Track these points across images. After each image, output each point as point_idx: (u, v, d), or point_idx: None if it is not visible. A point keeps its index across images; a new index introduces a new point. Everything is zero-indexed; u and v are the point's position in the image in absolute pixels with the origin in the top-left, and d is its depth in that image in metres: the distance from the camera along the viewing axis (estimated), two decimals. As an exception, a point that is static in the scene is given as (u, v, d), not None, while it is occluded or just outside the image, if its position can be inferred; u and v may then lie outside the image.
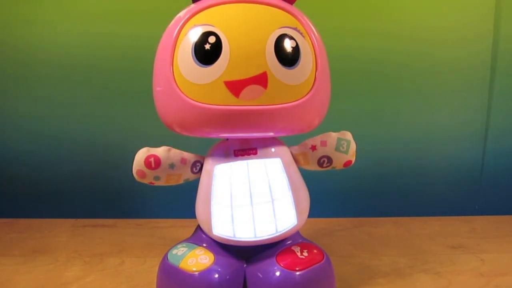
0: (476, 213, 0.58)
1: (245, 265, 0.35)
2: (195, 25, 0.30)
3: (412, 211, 0.58)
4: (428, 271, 0.42)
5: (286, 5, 0.31)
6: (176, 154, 0.33)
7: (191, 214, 0.35)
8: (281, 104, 0.30)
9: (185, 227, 0.43)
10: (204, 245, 0.36)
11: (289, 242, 0.36)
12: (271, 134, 0.33)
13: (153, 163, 0.32)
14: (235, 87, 0.29)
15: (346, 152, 0.34)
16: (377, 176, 0.58)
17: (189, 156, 0.34)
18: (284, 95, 0.30)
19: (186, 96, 0.30)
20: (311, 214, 0.36)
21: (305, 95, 0.31)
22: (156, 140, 0.35)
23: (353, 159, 0.35)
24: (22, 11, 0.53)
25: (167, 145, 0.33)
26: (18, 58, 0.54)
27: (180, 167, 0.33)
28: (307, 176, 0.36)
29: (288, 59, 0.30)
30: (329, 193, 0.57)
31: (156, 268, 0.36)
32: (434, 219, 0.56)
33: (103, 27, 0.53)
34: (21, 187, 0.58)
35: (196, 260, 0.33)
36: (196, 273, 0.32)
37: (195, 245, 0.36)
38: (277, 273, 0.33)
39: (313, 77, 0.32)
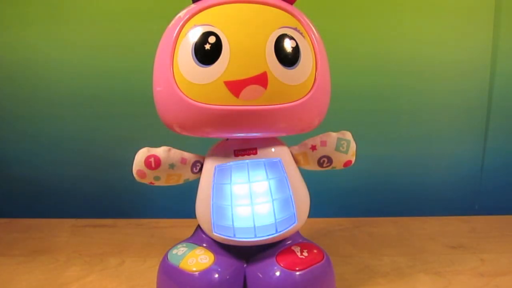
0: (476, 213, 0.58)
1: (245, 265, 0.35)
2: (195, 25, 0.30)
3: (412, 211, 0.57)
4: (428, 271, 0.42)
5: (286, 5, 0.31)
6: (176, 154, 0.33)
7: (191, 214, 0.35)
8: (281, 104, 0.30)
9: (185, 227, 0.43)
10: (204, 245, 0.36)
11: (289, 242, 0.36)
12: (271, 134, 0.33)
13: (153, 163, 0.32)
14: (235, 87, 0.29)
15: (346, 152, 0.34)
16: (377, 176, 0.58)
17: (189, 156, 0.34)
18: (284, 95, 0.30)
19: (186, 96, 0.30)
20: (311, 214, 0.36)
21: (305, 95, 0.31)
22: (156, 140, 0.35)
23: (353, 159, 0.35)
24: (21, 11, 0.53)
25: (167, 145, 0.33)
26: (17, 59, 0.54)
27: (180, 167, 0.33)
28: (307, 176, 0.36)
29: (288, 59, 0.30)
30: (329, 193, 0.57)
31: (156, 268, 0.36)
32: (434, 219, 0.56)
33: (103, 27, 0.53)
34: (21, 187, 0.58)
35: (196, 260, 0.33)
36: (196, 273, 0.32)
37: (195, 245, 0.36)
38: (277, 273, 0.33)
39: (313, 77, 0.32)
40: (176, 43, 0.30)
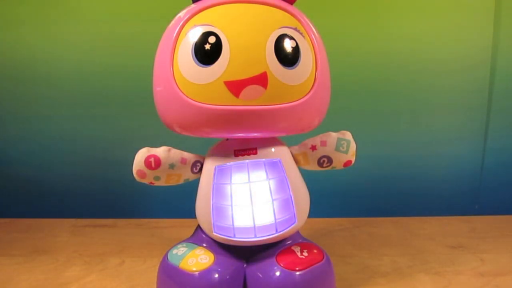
0: (476, 213, 0.58)
1: (245, 265, 0.35)
2: (195, 25, 0.30)
3: (412, 211, 0.58)
4: (428, 271, 0.42)
5: (286, 5, 0.31)
6: (176, 154, 0.33)
7: (191, 214, 0.35)
8: (281, 104, 0.30)
9: (185, 227, 0.43)
10: (204, 245, 0.36)
11: (289, 242, 0.36)
12: (271, 134, 0.33)
13: (153, 163, 0.32)
14: (235, 87, 0.29)
15: (346, 152, 0.34)
16: (377, 176, 0.58)
17: (189, 156, 0.34)
18: (284, 95, 0.30)
19: (186, 96, 0.30)
20: (311, 214, 0.36)
21: (305, 95, 0.31)
22: (156, 140, 0.35)
23: (353, 159, 0.35)
24: (21, 12, 0.53)
25: (167, 145, 0.33)
26: (18, 59, 0.54)
27: (180, 167, 0.33)
28: (307, 176, 0.36)
29: (288, 59, 0.30)
30: (329, 193, 0.57)
31: (156, 268, 0.36)
32: (434, 219, 0.56)
33: (103, 26, 0.53)
34: (21, 187, 0.58)
35: (196, 260, 0.33)
36: (196, 273, 0.32)
37: (195, 245, 0.36)
38: (277, 273, 0.33)
39: (313, 77, 0.32)
40: (176, 43, 0.30)
